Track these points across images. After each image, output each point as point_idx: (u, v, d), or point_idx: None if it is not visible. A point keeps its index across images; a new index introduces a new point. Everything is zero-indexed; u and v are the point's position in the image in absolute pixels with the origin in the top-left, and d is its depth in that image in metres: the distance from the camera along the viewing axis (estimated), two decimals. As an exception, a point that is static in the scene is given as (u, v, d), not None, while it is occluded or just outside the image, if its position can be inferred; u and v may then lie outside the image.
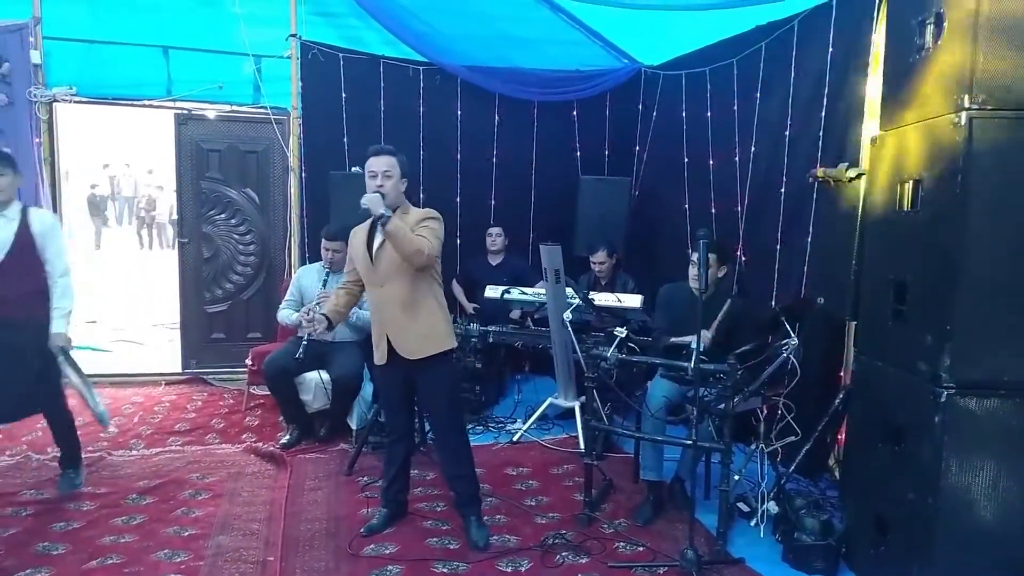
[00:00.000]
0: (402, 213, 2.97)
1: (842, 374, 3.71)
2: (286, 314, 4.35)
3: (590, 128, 5.92)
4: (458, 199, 5.74)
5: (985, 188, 2.28)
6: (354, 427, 4.24)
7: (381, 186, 2.88)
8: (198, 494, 3.52)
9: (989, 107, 2.24)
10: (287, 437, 4.22)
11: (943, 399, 2.36)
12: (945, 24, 2.34)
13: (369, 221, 2.99)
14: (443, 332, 3.05)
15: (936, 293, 2.41)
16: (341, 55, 5.35)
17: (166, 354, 6.21)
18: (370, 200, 2.81)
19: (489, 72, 5.60)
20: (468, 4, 5.23)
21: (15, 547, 2.94)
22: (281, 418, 4.41)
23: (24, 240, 3.34)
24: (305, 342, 4.03)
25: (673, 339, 3.40)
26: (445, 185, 5.71)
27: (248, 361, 4.87)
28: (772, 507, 3.20)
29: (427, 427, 3.82)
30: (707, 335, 3.26)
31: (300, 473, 3.82)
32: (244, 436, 4.41)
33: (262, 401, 4.91)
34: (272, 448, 4.13)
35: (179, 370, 5.73)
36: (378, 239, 2.96)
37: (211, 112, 5.51)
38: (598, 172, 5.87)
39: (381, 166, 2.92)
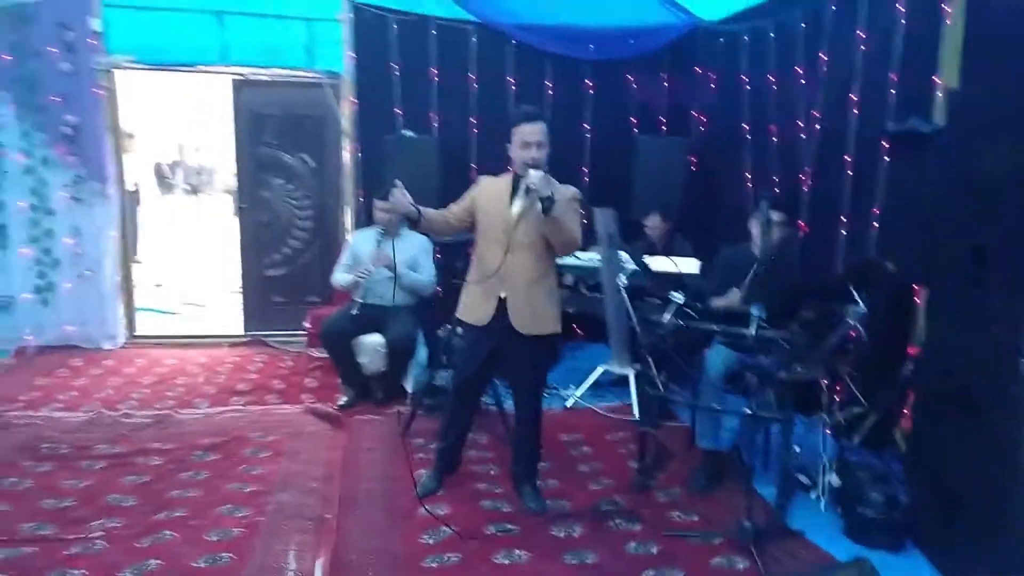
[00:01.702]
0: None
1: (911, 344, 3.55)
2: (340, 276, 4.40)
3: (646, 87, 5.73)
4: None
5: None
6: (409, 390, 4.29)
7: (535, 157, 2.73)
8: (259, 452, 3.62)
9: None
10: (345, 399, 4.30)
11: (1022, 370, 2.23)
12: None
13: (507, 177, 2.92)
14: (557, 314, 3.00)
15: (1018, 257, 2.25)
16: (392, 16, 5.29)
17: (229, 317, 6.38)
18: (539, 181, 2.59)
19: (541, 30, 5.46)
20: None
21: (89, 498, 3.09)
22: (339, 380, 4.49)
23: None
24: (360, 301, 4.07)
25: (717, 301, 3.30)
26: (497, 148, 5.59)
27: (307, 324, 4.97)
28: (834, 479, 3.11)
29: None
30: (736, 294, 3.15)
31: (357, 434, 3.89)
32: (303, 397, 4.52)
33: (320, 363, 5.00)
34: (330, 409, 4.21)
35: (241, 332, 5.90)
36: (519, 205, 2.76)
37: (266, 77, 5.54)
38: (654, 131, 5.70)
39: (537, 135, 2.74)
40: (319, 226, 5.79)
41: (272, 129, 5.66)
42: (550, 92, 5.65)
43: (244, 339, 5.81)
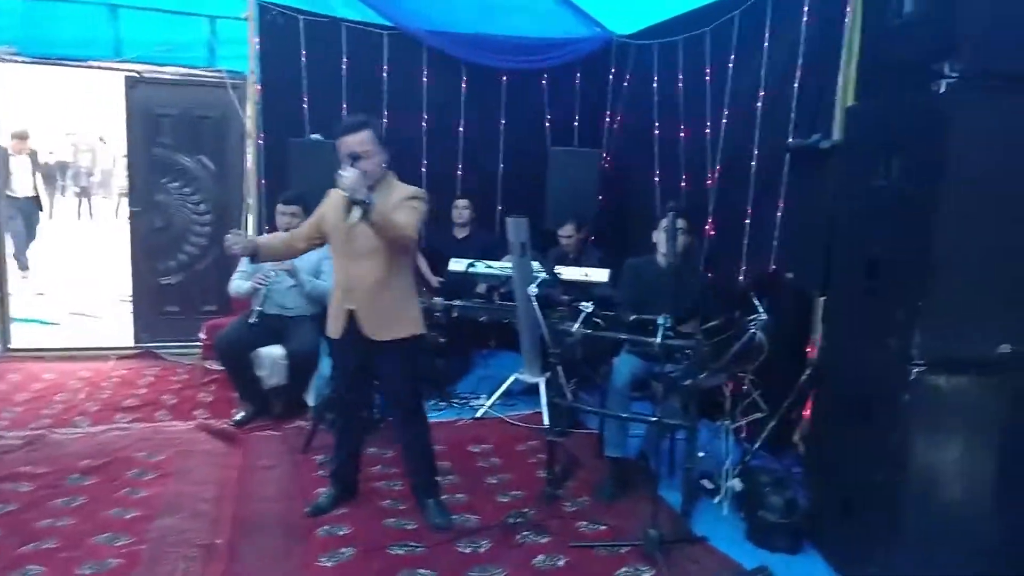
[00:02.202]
0: (386, 189, 2.81)
1: (809, 350, 3.66)
2: (238, 284, 4.17)
3: (560, 98, 5.74)
4: (423, 170, 5.55)
5: (964, 162, 2.20)
6: (311, 404, 4.11)
7: (359, 168, 2.64)
8: (145, 473, 3.37)
9: (970, 76, 2.15)
10: (241, 414, 4.07)
11: (912, 376, 2.31)
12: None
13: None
14: (414, 316, 2.95)
15: (909, 269, 2.34)
16: (301, 17, 5.09)
17: (120, 328, 5.97)
18: (350, 182, 2.52)
19: (456, 38, 5.39)
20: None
21: (-57, 531, 2.77)
22: (235, 394, 4.25)
23: None
24: (259, 309, 3.88)
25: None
26: (410, 155, 5.51)
27: (202, 335, 4.70)
28: (736, 484, 3.15)
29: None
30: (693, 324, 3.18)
31: (254, 451, 3.68)
32: (196, 413, 4.25)
33: (216, 377, 4.71)
34: (225, 425, 3.98)
35: (131, 344, 5.52)
36: (355, 214, 2.68)
37: (163, 75, 5.24)
38: (568, 144, 5.73)
39: (356, 144, 2.69)
40: (218, 232, 5.48)
41: (169, 130, 5.35)
42: (463, 100, 5.59)
43: (134, 351, 5.44)
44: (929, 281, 2.25)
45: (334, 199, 2.88)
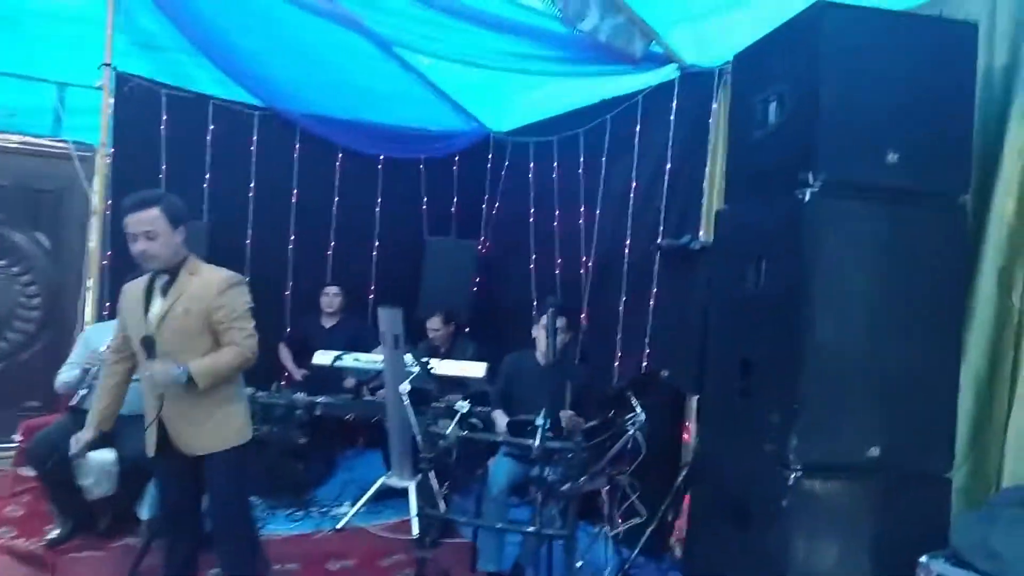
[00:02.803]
0: (189, 274, 2.46)
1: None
2: (66, 375, 3.66)
3: (437, 188, 5.73)
4: (290, 253, 5.29)
5: (829, 266, 2.27)
6: (144, 517, 3.57)
7: (144, 251, 2.36)
8: (-78, 611, 2.76)
9: (831, 185, 2.24)
10: (57, 531, 3.49)
11: (791, 481, 2.28)
12: (787, 103, 2.36)
13: (146, 277, 2.51)
14: (238, 424, 2.57)
15: (782, 371, 2.35)
16: (164, 91, 4.82)
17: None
18: (162, 376, 2.32)
19: (332, 122, 5.28)
20: (310, 49, 4.90)
21: None
22: (52, 507, 3.65)
23: None
24: (76, 407, 3.40)
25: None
26: (277, 237, 5.24)
27: (18, 436, 4.06)
28: (617, 596, 2.99)
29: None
30: (568, 413, 3.06)
31: (69, 577, 3.13)
32: (1, 531, 3.60)
33: (33, 485, 4.06)
34: (34, 546, 3.37)
35: (-70, 445, 4.71)
36: (159, 305, 2.42)
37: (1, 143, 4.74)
38: (445, 233, 5.66)
39: (140, 225, 2.35)
40: (49, 316, 4.90)
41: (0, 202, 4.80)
42: (338, 186, 5.43)
43: (-67, 453, 4.63)
44: (801, 383, 2.26)
45: (127, 296, 2.56)
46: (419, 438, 3.20)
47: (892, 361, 2.31)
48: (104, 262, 4.61)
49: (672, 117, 3.94)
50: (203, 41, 4.75)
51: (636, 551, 3.34)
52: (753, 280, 2.51)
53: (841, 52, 2.24)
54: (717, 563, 2.69)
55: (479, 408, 3.58)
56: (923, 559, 2.19)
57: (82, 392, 3.60)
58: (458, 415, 2.95)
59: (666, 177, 3.96)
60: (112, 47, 4.60)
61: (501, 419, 3.29)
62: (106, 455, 3.51)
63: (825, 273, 2.26)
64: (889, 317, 2.30)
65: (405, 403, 3.36)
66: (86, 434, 2.57)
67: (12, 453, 4.19)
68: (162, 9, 4.36)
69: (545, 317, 3.35)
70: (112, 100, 4.63)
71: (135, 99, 4.72)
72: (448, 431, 2.90)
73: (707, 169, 3.64)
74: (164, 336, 2.41)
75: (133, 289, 2.55)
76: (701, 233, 3.61)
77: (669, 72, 3.88)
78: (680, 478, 3.40)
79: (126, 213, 2.40)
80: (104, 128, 4.66)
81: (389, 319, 3.84)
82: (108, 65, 4.61)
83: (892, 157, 2.28)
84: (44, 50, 4.55)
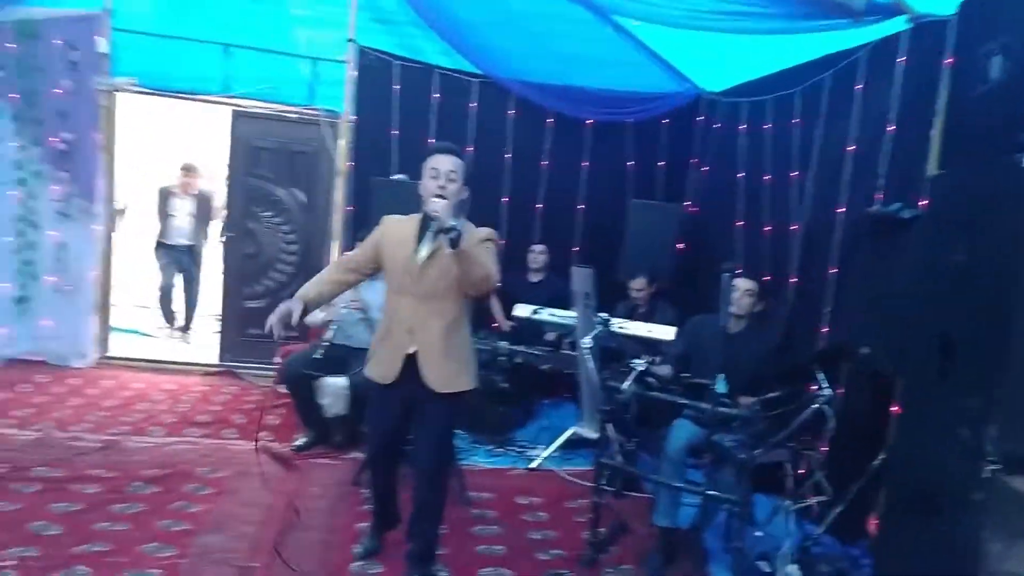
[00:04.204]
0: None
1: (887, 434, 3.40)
2: (314, 313, 4.30)
3: (644, 151, 5.73)
4: (504, 214, 5.63)
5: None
6: (370, 437, 4.15)
7: (443, 187, 2.52)
8: (202, 488, 3.48)
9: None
10: (302, 440, 4.17)
11: (986, 474, 2.09)
12: (1013, 55, 2.10)
13: (415, 218, 2.68)
14: (474, 368, 2.77)
15: (986, 353, 2.14)
16: (396, 62, 5.34)
17: (208, 346, 6.28)
18: (442, 208, 2.38)
19: (544, 88, 5.49)
20: (526, 20, 5.13)
21: (11, 524, 2.95)
22: (299, 420, 4.36)
23: None
24: (325, 343, 3.98)
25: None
26: (491, 198, 5.60)
27: (277, 359, 4.86)
28: (793, 572, 2.93)
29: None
30: (748, 400, 3.02)
31: (308, 478, 3.75)
32: (263, 434, 4.38)
33: (287, 400, 4.86)
34: (284, 449, 4.08)
35: (216, 362, 5.79)
36: (428, 247, 2.57)
37: (266, 110, 5.58)
38: (649, 196, 5.67)
39: (447, 165, 2.55)
40: (304, 261, 5.73)
41: (266, 161, 5.66)
42: (547, 151, 5.66)
43: (217, 369, 5.70)
44: (1005, 369, 2.05)
45: (394, 229, 2.73)
46: (597, 391, 3.33)
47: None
48: (347, 217, 5.30)
49: (899, 73, 3.58)
50: (430, 16, 5.19)
51: (822, 529, 3.23)
52: (963, 253, 2.29)
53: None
54: (907, 554, 2.55)
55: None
56: None
57: (325, 339, 4.18)
58: (634, 372, 3.03)
59: (889, 139, 3.62)
60: (355, 24, 5.21)
61: (662, 370, 3.29)
62: (340, 380, 4.12)
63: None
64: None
65: (587, 356, 3.51)
66: (296, 305, 2.69)
67: (275, 373, 5.03)
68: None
69: (737, 281, 3.30)
70: (356, 72, 5.26)
71: (373, 70, 5.30)
72: (624, 386, 3.01)
73: (935, 131, 3.28)
74: (431, 274, 2.60)
75: (401, 225, 2.71)
76: (924, 201, 3.29)
77: (897, 24, 3.52)
78: (877, 461, 3.21)
79: (439, 152, 2.60)
80: (347, 98, 5.31)
81: (581, 278, 4.00)
82: (352, 40, 5.22)
83: None
84: (299, 29, 5.27)
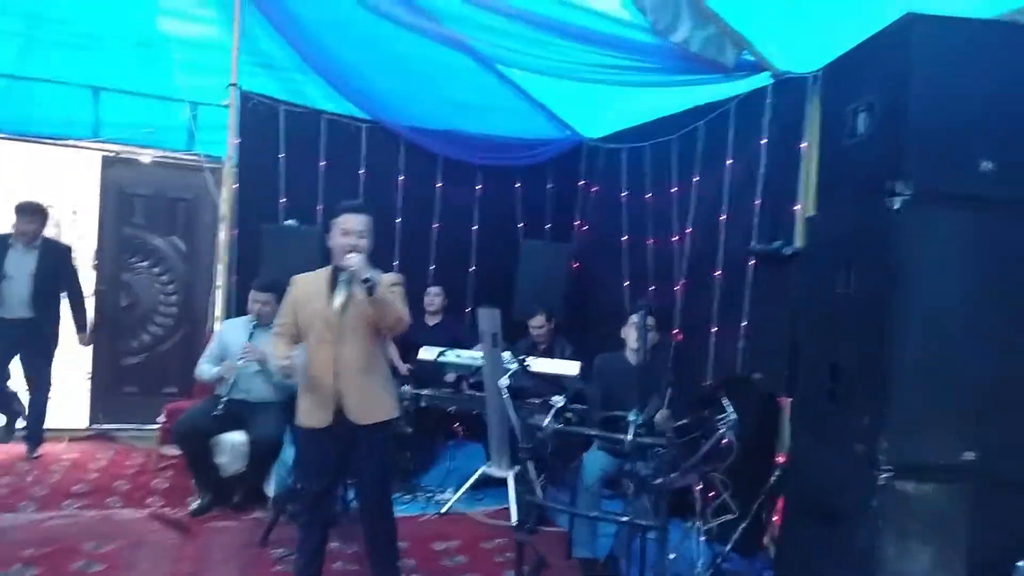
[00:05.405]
0: None
1: (778, 451, 3.70)
2: (206, 368, 4.10)
3: (532, 195, 5.95)
4: (396, 258, 5.63)
5: (919, 274, 2.31)
6: (271, 494, 3.97)
7: (355, 245, 2.75)
8: (92, 565, 3.21)
9: (922, 194, 2.30)
10: (198, 503, 3.93)
11: (880, 482, 2.34)
12: (877, 112, 2.43)
13: (325, 272, 2.90)
14: (394, 398, 3.01)
15: (872, 374, 2.41)
16: (282, 107, 5.25)
17: (71, 407, 5.75)
18: (357, 263, 2.64)
19: (432, 133, 5.59)
20: (412, 65, 5.21)
21: None
22: (193, 481, 4.10)
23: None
24: (224, 399, 3.81)
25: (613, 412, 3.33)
26: (383, 242, 5.54)
27: (161, 418, 4.57)
28: (710, 588, 3.11)
29: (349, 496, 3.60)
30: (665, 412, 3.21)
31: (209, 544, 3.54)
32: (150, 500, 4.09)
33: (174, 462, 4.56)
34: (179, 515, 3.82)
35: (85, 425, 5.33)
36: (341, 296, 2.80)
37: (142, 156, 5.30)
38: (539, 237, 5.88)
39: (358, 225, 2.80)
40: (184, 313, 5.45)
41: (141, 209, 5.36)
42: (439, 192, 5.74)
43: (88, 433, 5.25)
44: (890, 388, 2.32)
45: (305, 286, 2.95)
46: (518, 430, 3.41)
47: (986, 368, 2.32)
48: (232, 266, 5.09)
49: (766, 122, 3.99)
50: (315, 60, 5.15)
51: (729, 546, 3.44)
52: (843, 285, 2.57)
53: (931, 62, 2.27)
54: (809, 563, 2.75)
55: (574, 405, 3.76)
56: (1021, 564, 2.22)
57: (222, 394, 3.97)
58: (553, 409, 3.13)
59: (760, 182, 4.00)
60: (237, 68, 5.09)
61: (596, 414, 3.44)
62: (238, 436, 3.94)
63: (915, 280, 2.31)
64: (982, 325, 2.31)
65: (505, 397, 3.58)
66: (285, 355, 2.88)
67: (156, 433, 4.70)
68: (280, 32, 4.77)
69: (635, 316, 3.49)
70: (237, 116, 5.11)
71: (257, 115, 5.18)
72: (545, 423, 3.09)
73: (801, 175, 3.68)
74: (348, 320, 2.81)
75: (310, 280, 2.94)
76: (796, 240, 3.66)
77: (762, 79, 3.93)
78: (773, 478, 3.47)
79: (348, 212, 2.83)
80: (230, 143, 5.15)
81: (488, 318, 4.08)
82: (234, 85, 5.08)
83: (986, 165, 2.31)
84: (179, 73, 5.08)
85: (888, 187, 2.31)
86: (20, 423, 4.93)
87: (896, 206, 2.32)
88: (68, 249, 5.05)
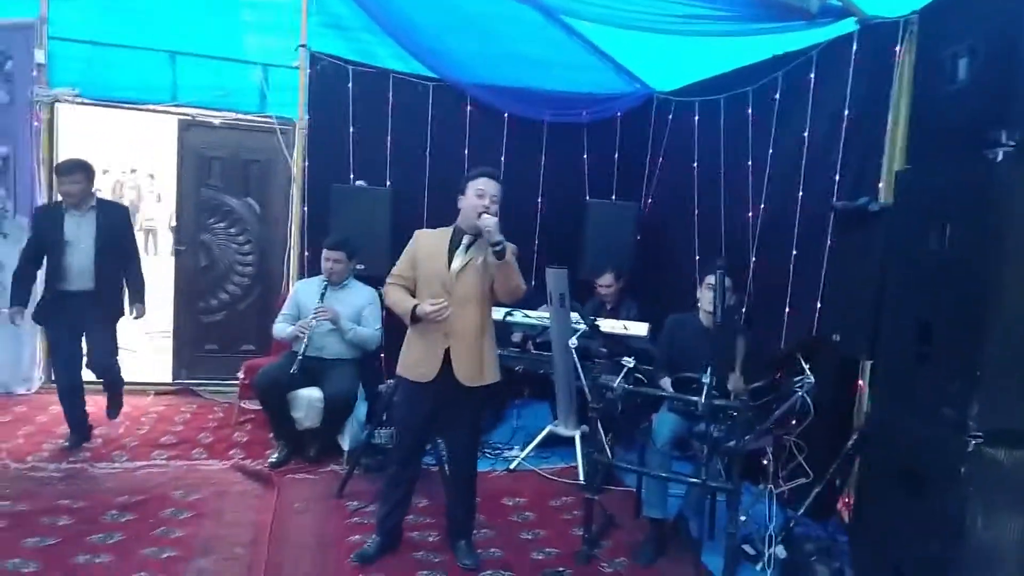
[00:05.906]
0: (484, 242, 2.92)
1: (855, 416, 3.58)
2: (281, 327, 4.22)
3: (599, 151, 5.82)
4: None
5: (1020, 229, 2.17)
6: (346, 448, 4.09)
7: (488, 207, 2.82)
8: (180, 512, 3.37)
9: (1026, 144, 2.14)
10: (276, 455, 4.08)
11: (970, 448, 2.24)
12: (979, 57, 2.25)
13: (447, 231, 2.99)
14: (498, 363, 3.08)
15: (965, 336, 2.29)
16: (351, 67, 5.26)
17: (157, 363, 6.05)
18: (492, 224, 2.73)
19: (499, 91, 5.51)
20: (480, 22, 5.15)
21: (-17, 563, 2.79)
22: (271, 435, 4.27)
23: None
24: (300, 357, 3.91)
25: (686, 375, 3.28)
26: (450, 203, 5.57)
27: (240, 374, 4.74)
28: (780, 552, 3.06)
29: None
30: (737, 375, 3.15)
31: (288, 494, 3.67)
32: (232, 452, 4.26)
33: (252, 416, 4.73)
34: (260, 466, 3.98)
35: (169, 380, 5.59)
36: (461, 259, 2.90)
37: (216, 119, 5.42)
38: (606, 196, 5.77)
39: (493, 189, 2.88)
40: (261, 271, 5.60)
41: (217, 171, 5.51)
42: (505, 151, 5.68)
43: (172, 387, 5.51)
44: (985, 349, 2.20)
45: (427, 242, 3.02)
46: (587, 391, 3.40)
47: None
48: (304, 226, 5.20)
49: (851, 71, 3.77)
50: (384, 20, 5.15)
51: (801, 511, 3.37)
52: (937, 243, 2.43)
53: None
54: (888, 530, 2.69)
55: (643, 365, 3.72)
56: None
57: (297, 353, 4.04)
58: (624, 369, 3.10)
59: (842, 135, 3.80)
60: (307, 30, 5.12)
61: (667, 385, 3.39)
62: (313, 392, 4.05)
63: (1016, 238, 2.17)
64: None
65: (573, 357, 3.57)
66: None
67: (236, 388, 4.89)
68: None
69: (711, 277, 3.39)
70: (307, 78, 5.16)
71: (326, 76, 5.21)
72: (615, 383, 3.07)
73: (888, 127, 3.47)
74: (464, 283, 2.90)
75: (433, 238, 3.01)
76: (881, 194, 3.47)
77: (847, 25, 3.70)
78: (850, 442, 3.37)
79: (485, 176, 2.92)
80: (301, 104, 5.21)
81: (556, 279, 4.04)
82: (303, 46, 5.13)
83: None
84: (249, 35, 5.14)
85: (990, 137, 2.15)
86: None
87: (998, 158, 2.17)
88: (126, 210, 4.58)
